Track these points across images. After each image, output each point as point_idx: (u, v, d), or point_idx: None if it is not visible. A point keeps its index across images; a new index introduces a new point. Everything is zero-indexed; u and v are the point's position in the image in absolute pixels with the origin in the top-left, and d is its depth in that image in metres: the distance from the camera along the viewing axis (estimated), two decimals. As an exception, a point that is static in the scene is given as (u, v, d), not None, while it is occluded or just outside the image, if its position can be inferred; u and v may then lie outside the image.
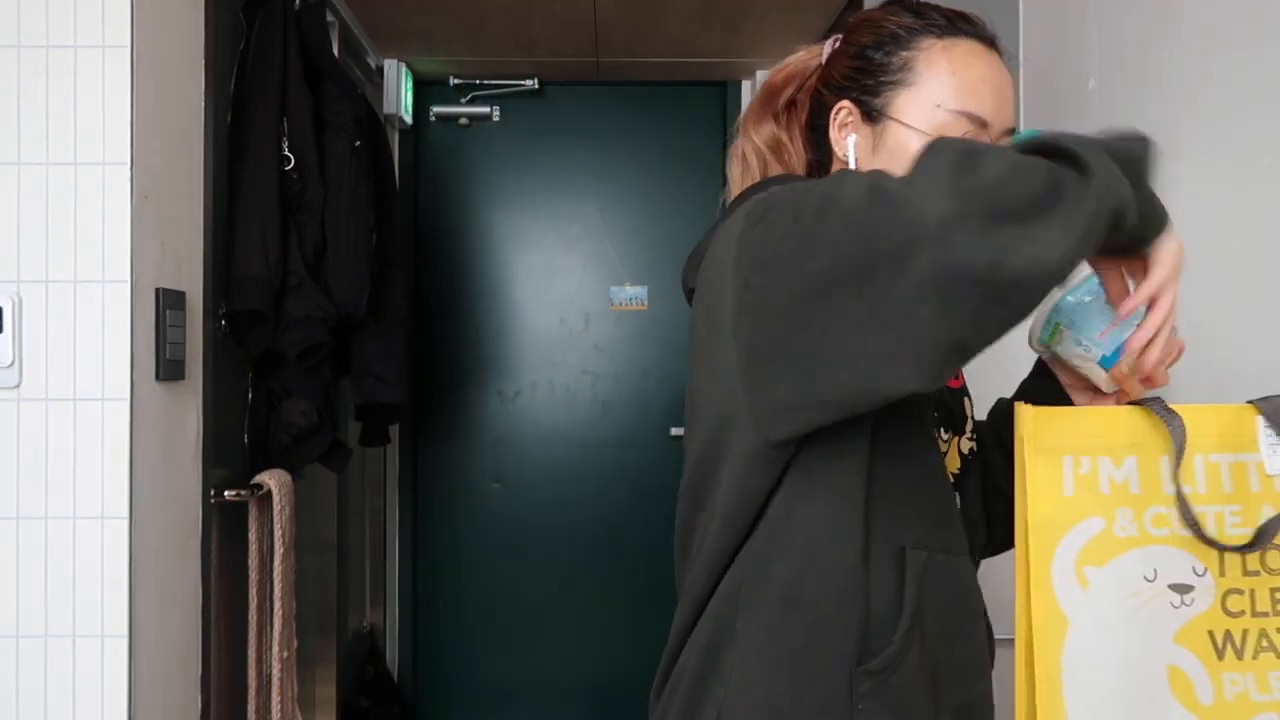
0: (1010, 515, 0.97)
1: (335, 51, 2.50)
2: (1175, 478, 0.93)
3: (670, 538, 1.12)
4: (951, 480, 1.04)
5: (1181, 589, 0.93)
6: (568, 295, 3.35)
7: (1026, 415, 0.93)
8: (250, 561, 1.90)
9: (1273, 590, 0.95)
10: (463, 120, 3.37)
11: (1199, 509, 0.94)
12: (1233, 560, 0.94)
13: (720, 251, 0.94)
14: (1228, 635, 0.94)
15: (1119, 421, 0.96)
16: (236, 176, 1.93)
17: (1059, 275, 0.74)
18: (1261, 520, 0.94)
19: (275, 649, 1.94)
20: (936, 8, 1.03)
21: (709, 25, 2.85)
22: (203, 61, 1.74)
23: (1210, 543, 0.92)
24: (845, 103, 1.04)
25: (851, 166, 1.03)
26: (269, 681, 1.94)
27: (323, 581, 2.65)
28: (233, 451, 1.94)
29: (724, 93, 3.37)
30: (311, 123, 2.07)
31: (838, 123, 1.04)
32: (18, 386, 1.45)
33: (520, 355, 3.35)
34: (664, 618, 1.12)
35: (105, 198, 1.46)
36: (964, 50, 1.00)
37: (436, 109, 3.36)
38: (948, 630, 0.96)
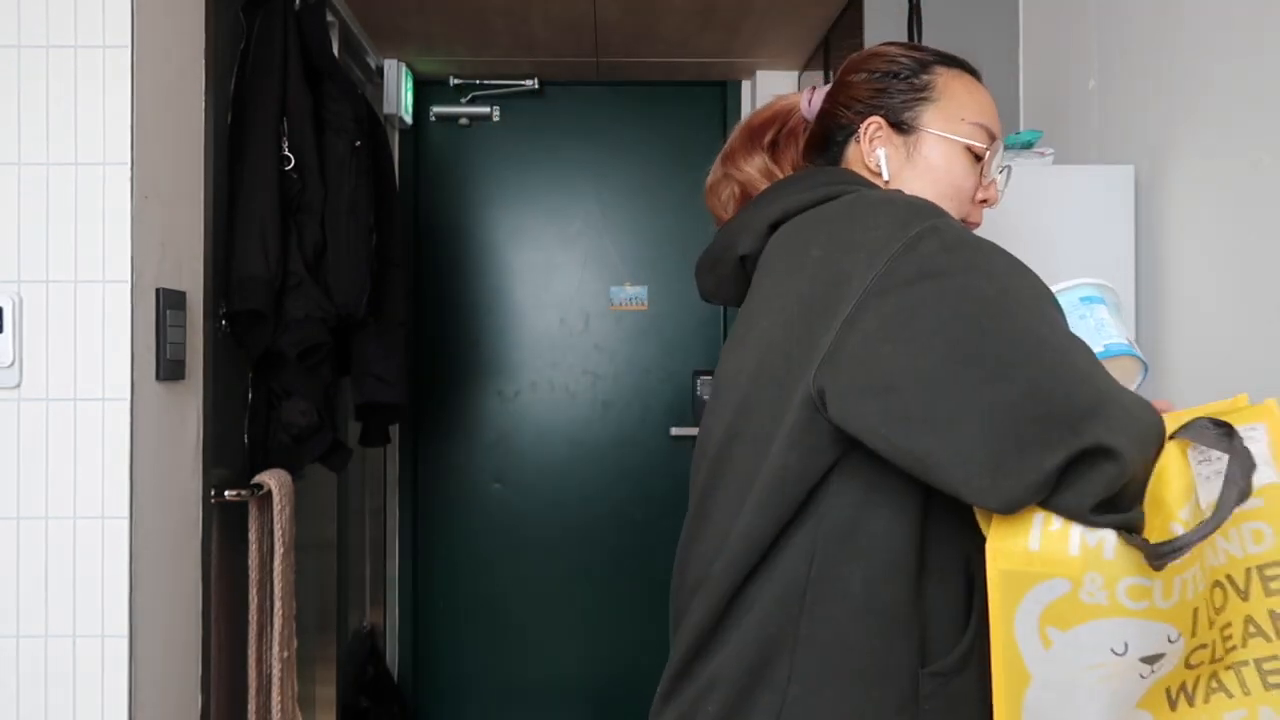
0: None
1: (335, 51, 2.50)
2: (1158, 563, 0.82)
3: (671, 536, 1.12)
4: None
5: (1152, 660, 0.85)
6: (568, 295, 3.35)
7: None
8: (250, 561, 1.90)
9: (1223, 629, 0.88)
10: (463, 120, 3.37)
11: (1183, 577, 0.83)
12: (1205, 616, 0.87)
13: (858, 235, 0.95)
14: (1182, 687, 0.88)
15: None
16: (236, 176, 1.93)
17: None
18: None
19: (275, 649, 1.94)
20: (955, 57, 1.20)
21: (709, 25, 2.85)
22: (203, 61, 1.74)
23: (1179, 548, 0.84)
24: (875, 118, 1.16)
25: (885, 175, 1.14)
26: (269, 681, 1.94)
27: (323, 581, 2.65)
28: (233, 451, 1.94)
29: (724, 93, 3.37)
30: (311, 123, 2.07)
31: (868, 136, 1.16)
32: (18, 386, 1.45)
33: (520, 355, 3.35)
34: (665, 617, 1.11)
35: (105, 198, 1.46)
36: (972, 82, 1.19)
37: (436, 109, 3.36)
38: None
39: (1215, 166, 1.57)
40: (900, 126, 1.15)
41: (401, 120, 3.17)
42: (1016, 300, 0.87)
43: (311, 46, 2.13)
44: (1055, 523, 0.84)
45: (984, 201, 1.18)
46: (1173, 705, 0.88)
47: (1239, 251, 1.51)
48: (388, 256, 2.43)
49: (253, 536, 1.90)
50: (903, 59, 1.17)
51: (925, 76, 1.16)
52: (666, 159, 3.33)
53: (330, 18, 2.50)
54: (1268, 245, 1.44)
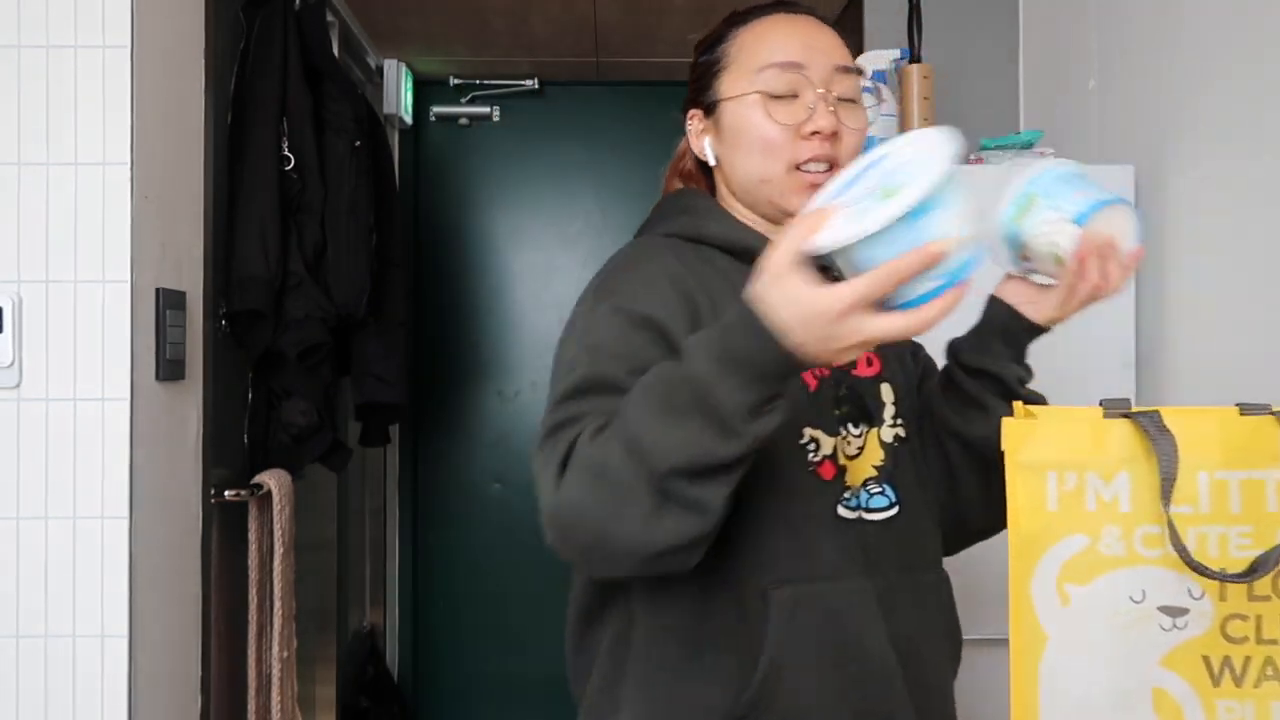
0: (989, 474, 0.99)
1: (335, 51, 2.50)
2: (1163, 500, 0.89)
3: None
4: (874, 475, 1.02)
5: (1174, 612, 0.89)
6: (567, 294, 3.33)
7: (1006, 428, 0.92)
8: (250, 561, 1.90)
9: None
10: (463, 120, 3.37)
11: (1199, 529, 0.89)
12: (1237, 584, 0.90)
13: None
14: (1226, 661, 0.90)
15: (1111, 436, 0.92)
16: (236, 176, 1.93)
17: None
18: (1277, 541, 0.89)
19: (275, 649, 1.94)
20: (757, 7, 1.12)
21: (709, 25, 2.85)
22: (203, 61, 1.74)
23: (1200, 570, 0.88)
24: (693, 111, 1.13)
25: (712, 163, 1.11)
26: (269, 681, 1.94)
27: (323, 581, 2.65)
28: (233, 451, 1.94)
29: (724, 93, 3.37)
30: (311, 123, 2.07)
31: (694, 133, 1.13)
32: (18, 386, 1.45)
33: (520, 355, 3.35)
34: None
35: (105, 198, 1.46)
36: (768, 22, 1.09)
37: (436, 109, 3.36)
38: (829, 657, 0.95)
39: (1215, 166, 1.57)
40: (709, 109, 1.10)
41: (401, 120, 3.17)
42: (572, 331, 1.02)
43: (311, 46, 2.13)
44: (1070, 482, 0.88)
45: (816, 133, 1.03)
46: (1215, 680, 0.90)
47: (1239, 251, 1.51)
48: (388, 256, 2.43)
49: (253, 536, 1.90)
50: (704, 42, 1.13)
51: (719, 48, 1.11)
52: (666, 159, 3.32)
53: (330, 18, 2.50)
54: (1268, 245, 1.44)
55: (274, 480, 1.92)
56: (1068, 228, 0.97)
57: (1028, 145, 1.80)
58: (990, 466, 1.00)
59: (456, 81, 3.34)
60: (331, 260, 2.10)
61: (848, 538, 0.99)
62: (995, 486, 0.97)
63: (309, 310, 2.00)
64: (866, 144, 1.76)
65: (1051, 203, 0.98)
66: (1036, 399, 1.07)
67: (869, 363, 1.07)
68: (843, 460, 1.01)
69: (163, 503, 1.58)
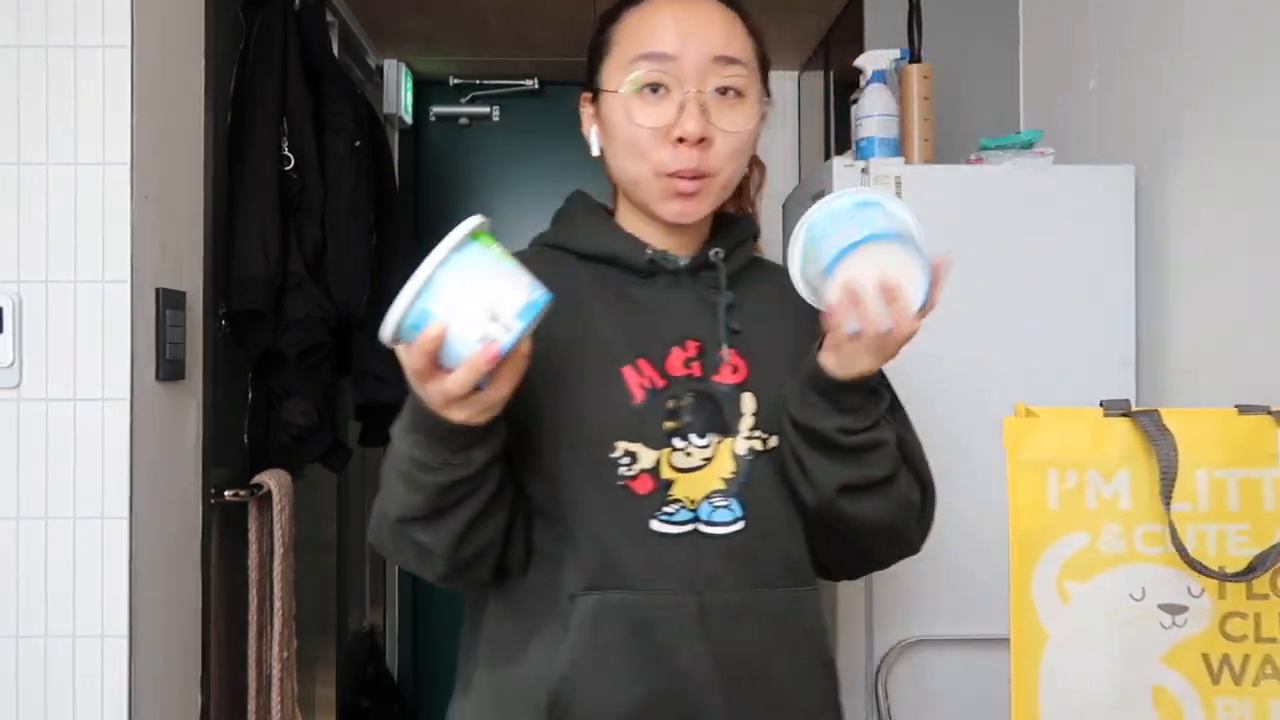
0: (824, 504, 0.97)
1: (335, 51, 2.50)
2: (1163, 498, 0.90)
3: None
4: (722, 487, 0.98)
5: (1173, 609, 0.90)
6: (568, 295, 3.34)
7: (1008, 427, 0.92)
8: (250, 561, 1.90)
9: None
10: (463, 120, 3.37)
11: (1199, 527, 0.90)
12: (1237, 583, 0.91)
13: None
14: (1225, 659, 0.90)
15: (1111, 435, 0.93)
16: (236, 176, 1.93)
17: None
18: (1275, 540, 0.90)
19: (275, 649, 1.94)
20: None
21: (709, 25, 2.85)
22: (203, 61, 1.74)
23: (1199, 568, 0.89)
24: (584, 94, 1.06)
25: (595, 154, 1.06)
26: (269, 681, 1.94)
27: (323, 581, 2.65)
28: (233, 451, 1.94)
29: (724, 93, 3.37)
30: (311, 123, 2.07)
31: (584, 118, 1.07)
32: (18, 386, 1.45)
33: (520, 355, 3.34)
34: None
35: (105, 198, 1.46)
36: (651, 5, 1.01)
37: (436, 109, 3.36)
38: (635, 668, 0.94)
39: (1215, 166, 1.57)
40: (595, 97, 1.04)
41: (401, 120, 3.17)
42: None
43: (311, 46, 2.13)
44: (1070, 480, 0.87)
45: (680, 140, 0.97)
46: (1215, 678, 0.90)
47: (1239, 251, 1.51)
48: (388, 257, 2.43)
49: (253, 536, 1.90)
50: (603, 17, 1.06)
51: (609, 29, 1.04)
52: (666, 159, 3.32)
53: (330, 18, 2.50)
54: (1268, 245, 1.44)
55: (274, 480, 1.92)
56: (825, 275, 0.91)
57: (1028, 145, 1.80)
58: (830, 526, 0.99)
59: (456, 81, 3.34)
60: (331, 260, 2.09)
61: (667, 551, 0.96)
62: (834, 541, 1.00)
63: (309, 310, 2.00)
64: (865, 146, 1.75)
65: (815, 250, 0.92)
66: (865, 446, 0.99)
67: (734, 370, 1.02)
68: (669, 473, 0.98)
69: (163, 503, 1.58)
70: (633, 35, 1.00)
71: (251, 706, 1.91)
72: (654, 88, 0.98)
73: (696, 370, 1.00)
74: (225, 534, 1.86)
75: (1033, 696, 0.90)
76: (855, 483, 0.96)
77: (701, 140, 0.96)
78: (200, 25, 1.73)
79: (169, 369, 1.58)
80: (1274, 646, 0.91)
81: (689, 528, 0.97)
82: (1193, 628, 0.90)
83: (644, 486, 0.97)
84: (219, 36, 1.82)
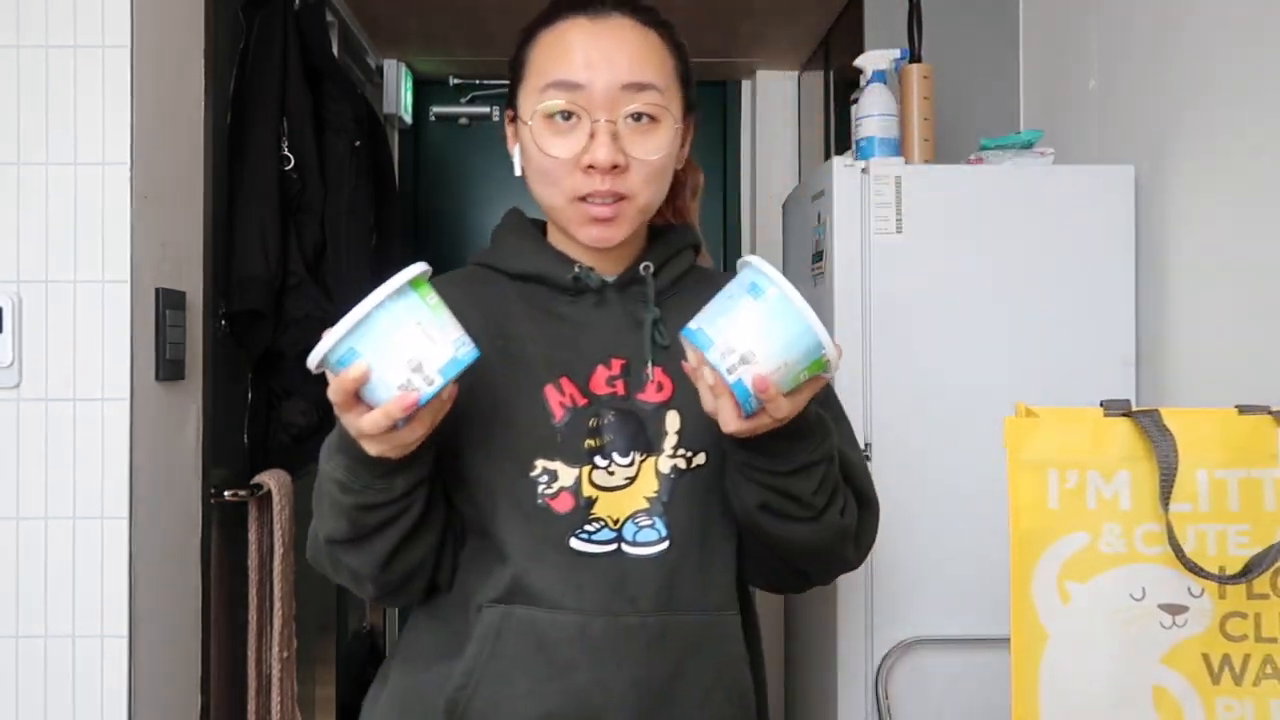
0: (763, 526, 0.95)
1: (335, 51, 2.50)
2: (1162, 498, 0.90)
3: None
4: (645, 506, 0.97)
5: (1173, 609, 0.90)
6: (568, 295, 3.34)
7: (1009, 427, 0.92)
8: (250, 561, 1.90)
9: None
10: (463, 120, 3.37)
11: (1199, 527, 0.90)
12: (1236, 583, 0.91)
13: None
14: (1225, 659, 0.90)
15: (1111, 435, 0.93)
16: (236, 176, 1.93)
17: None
18: (1276, 539, 0.90)
19: (275, 649, 1.94)
20: (559, 4, 1.02)
21: (709, 25, 2.85)
22: (203, 61, 1.74)
23: (1196, 570, 0.89)
24: (509, 112, 1.05)
25: (517, 174, 1.04)
26: (269, 681, 1.94)
27: (323, 581, 2.64)
28: (233, 451, 1.94)
29: (724, 93, 3.37)
30: (311, 123, 2.07)
31: (509, 138, 1.06)
32: (18, 386, 1.45)
33: (520, 355, 3.34)
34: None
35: (105, 198, 1.46)
36: (562, 28, 0.99)
37: (436, 109, 3.36)
38: (537, 685, 0.94)
39: (1215, 166, 1.57)
40: (515, 118, 1.03)
41: (401, 120, 3.17)
42: None
43: (311, 46, 2.13)
44: (1071, 480, 0.87)
45: (591, 167, 0.95)
46: (1215, 678, 0.90)
47: (1239, 251, 1.51)
48: (388, 256, 2.43)
49: (253, 536, 1.90)
50: (522, 33, 1.04)
51: (523, 51, 1.02)
52: (666, 159, 3.32)
53: (330, 18, 2.49)
54: (1268, 245, 1.44)
55: (274, 480, 1.92)
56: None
57: (1028, 145, 1.80)
58: (782, 559, 0.99)
59: (456, 81, 3.34)
60: (331, 260, 2.09)
61: (585, 570, 0.95)
62: (768, 557, 0.99)
63: (309, 310, 2.00)
64: (865, 146, 1.75)
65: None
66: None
67: (659, 388, 0.99)
68: (591, 491, 0.96)
69: (163, 503, 1.58)
70: (543, 60, 0.99)
71: (251, 706, 1.91)
72: (565, 115, 0.96)
73: (620, 388, 0.99)
74: (225, 534, 1.86)
75: (1033, 696, 0.90)
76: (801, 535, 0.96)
77: (615, 167, 0.95)
78: (200, 25, 1.73)
79: (169, 369, 1.58)
80: (1274, 646, 0.91)
81: (612, 547, 0.96)
82: (1193, 628, 0.90)
83: (564, 505, 0.96)
84: (219, 36, 1.82)
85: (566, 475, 0.96)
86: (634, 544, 0.96)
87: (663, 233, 1.08)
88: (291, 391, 2.04)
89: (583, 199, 0.97)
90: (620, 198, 0.97)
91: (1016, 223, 1.76)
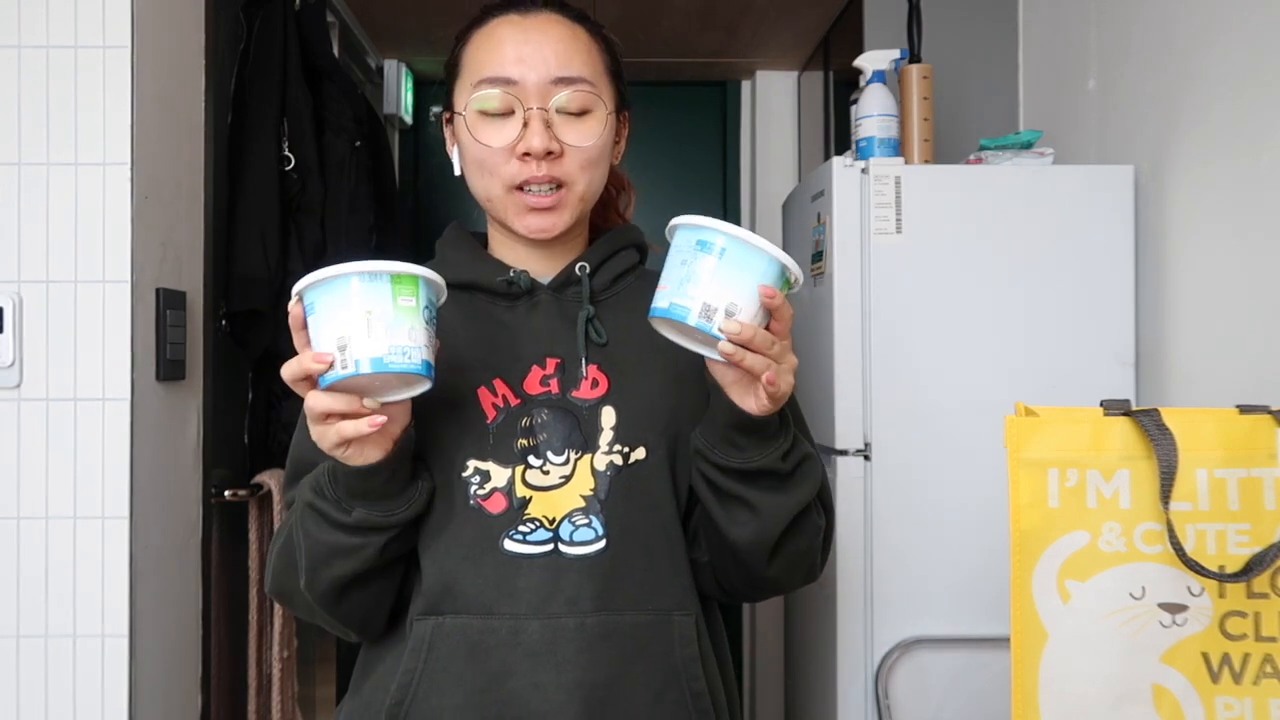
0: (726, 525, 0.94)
1: (335, 51, 2.50)
2: (1162, 497, 0.90)
3: None
4: (582, 505, 0.96)
5: (1173, 608, 0.91)
6: (567, 295, 3.34)
7: (1009, 426, 0.92)
8: (250, 561, 1.90)
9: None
10: (463, 120, 3.36)
11: (1199, 526, 0.90)
12: (1236, 582, 0.91)
13: None
14: (1225, 658, 0.91)
15: (1111, 435, 0.93)
16: (236, 176, 1.93)
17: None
18: (1276, 539, 0.91)
19: (275, 649, 1.94)
20: (490, 5, 1.04)
21: (709, 25, 2.85)
22: (203, 61, 1.74)
23: (1196, 569, 0.89)
24: (445, 113, 1.06)
25: (457, 173, 1.06)
26: (269, 681, 1.94)
27: (323, 581, 2.64)
28: (233, 451, 1.94)
29: (724, 93, 3.37)
30: (311, 123, 2.07)
31: (447, 137, 1.07)
32: (18, 386, 1.45)
33: (520, 355, 3.34)
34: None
35: (105, 198, 1.46)
36: (492, 27, 1.01)
37: (436, 109, 3.36)
38: (473, 694, 0.92)
39: (1215, 166, 1.57)
40: (451, 118, 1.05)
41: (401, 120, 3.17)
42: None
43: (311, 47, 2.13)
44: (1071, 479, 0.88)
45: (527, 154, 0.97)
46: (1214, 676, 0.91)
47: (1238, 251, 1.51)
48: (387, 257, 2.42)
49: (253, 536, 1.90)
50: (457, 36, 1.06)
51: (456, 50, 1.05)
52: (666, 158, 3.33)
53: (330, 18, 2.50)
54: (1267, 245, 1.44)
55: (274, 480, 1.92)
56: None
57: (1027, 145, 1.81)
58: (750, 569, 0.96)
59: (456, 81, 3.34)
60: (331, 260, 2.09)
61: (520, 573, 0.93)
62: (737, 569, 0.97)
63: (309, 310, 2.00)
64: (864, 146, 1.76)
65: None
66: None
67: (594, 385, 0.99)
68: (524, 491, 0.95)
69: (163, 503, 1.58)
70: (474, 60, 1.01)
71: (251, 706, 1.91)
72: (499, 109, 0.98)
73: (555, 387, 0.99)
74: (225, 534, 1.86)
75: (1033, 696, 0.90)
76: (804, 506, 0.94)
77: (549, 153, 0.97)
78: (200, 25, 1.73)
79: (169, 369, 1.58)
80: (1274, 645, 0.91)
81: (548, 548, 0.94)
82: (1193, 627, 0.90)
83: (496, 505, 0.95)
84: (219, 36, 1.82)
85: (499, 476, 0.96)
86: (571, 544, 0.94)
87: (604, 234, 1.10)
88: (292, 391, 2.04)
89: (520, 188, 0.99)
90: (559, 185, 0.99)
91: (1016, 223, 1.76)
